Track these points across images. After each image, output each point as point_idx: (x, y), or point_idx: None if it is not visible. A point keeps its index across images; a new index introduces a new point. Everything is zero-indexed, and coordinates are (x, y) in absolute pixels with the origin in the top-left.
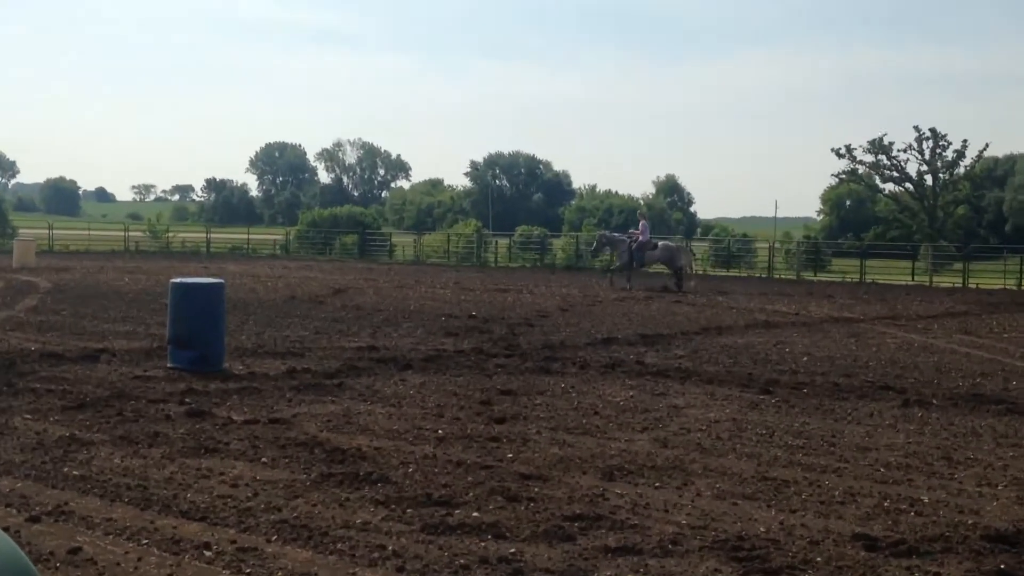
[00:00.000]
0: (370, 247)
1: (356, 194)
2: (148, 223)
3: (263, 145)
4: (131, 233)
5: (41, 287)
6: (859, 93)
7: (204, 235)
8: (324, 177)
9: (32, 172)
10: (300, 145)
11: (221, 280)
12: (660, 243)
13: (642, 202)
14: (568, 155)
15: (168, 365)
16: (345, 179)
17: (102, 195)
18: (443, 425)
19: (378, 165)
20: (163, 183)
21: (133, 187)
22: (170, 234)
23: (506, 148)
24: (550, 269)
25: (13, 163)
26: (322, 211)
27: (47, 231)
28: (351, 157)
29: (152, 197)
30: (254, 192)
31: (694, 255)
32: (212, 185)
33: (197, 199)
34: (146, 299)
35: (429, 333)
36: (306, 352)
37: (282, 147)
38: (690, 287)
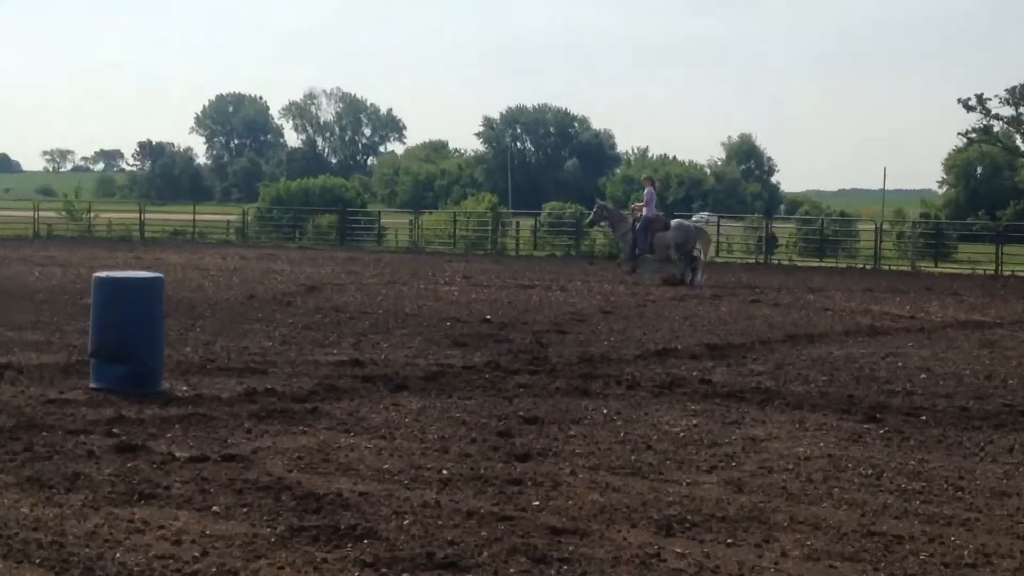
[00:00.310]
0: (353, 230)
1: (334, 161)
2: (64, 200)
3: (212, 98)
4: (42, 213)
5: None
6: (996, 26)
7: (137, 215)
8: (292, 139)
9: None
10: (260, 98)
11: (159, 274)
12: (673, 222)
13: (705, 169)
14: (611, 109)
15: (91, 385)
16: (320, 141)
17: (2, 164)
18: (448, 463)
19: (363, 123)
20: (83, 148)
21: (44, 153)
22: (92, 214)
23: (530, 100)
24: (588, 258)
25: None
26: (289, 183)
27: None
28: (327, 113)
29: (69, 166)
30: (201, 159)
31: (710, 238)
32: (146, 150)
33: (128, 168)
34: (62, 299)
35: (430, 343)
36: (270, 368)
37: (237, 100)
38: (700, 281)
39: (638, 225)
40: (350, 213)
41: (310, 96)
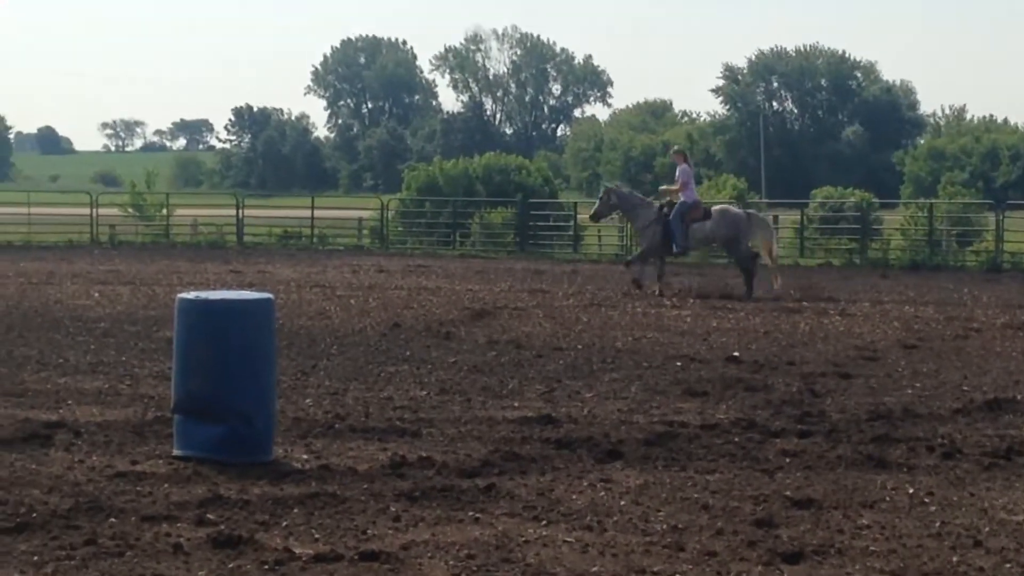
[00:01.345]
0: (537, 231)
1: (508, 132)
2: (131, 191)
3: (336, 45)
4: (102, 210)
5: None
6: None
7: (233, 212)
8: (450, 101)
9: None
10: (404, 43)
11: (266, 294)
12: (715, 208)
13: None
14: (909, 54)
15: (175, 452)
16: (489, 104)
17: (50, 142)
18: (684, 566)
19: (549, 77)
20: (156, 119)
21: (104, 127)
22: (171, 210)
23: (791, 41)
24: (880, 268)
25: None
26: (445, 164)
27: None
28: (498, 63)
29: (138, 143)
30: (321, 131)
31: (776, 230)
32: (244, 120)
33: (219, 146)
34: (130, 331)
35: (653, 391)
36: (424, 428)
37: (371, 48)
38: (776, 288)
39: (669, 214)
40: (533, 206)
41: (474, 39)
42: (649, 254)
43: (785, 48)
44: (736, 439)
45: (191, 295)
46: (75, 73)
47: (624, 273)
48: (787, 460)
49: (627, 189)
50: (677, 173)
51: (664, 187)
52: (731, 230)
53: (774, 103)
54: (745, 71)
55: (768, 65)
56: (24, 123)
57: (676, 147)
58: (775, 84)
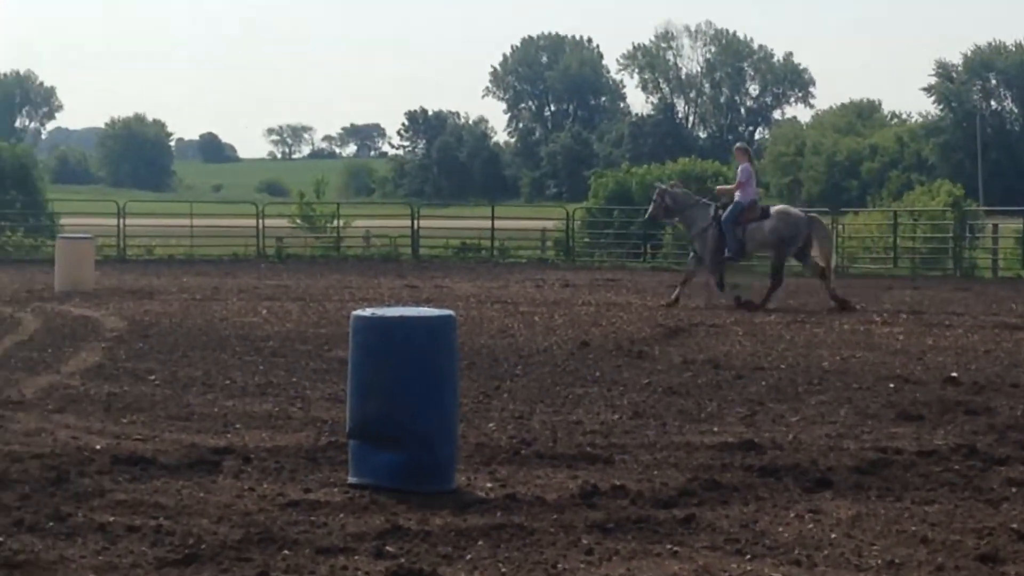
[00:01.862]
0: None
1: (702, 135)
2: (299, 201)
3: (516, 44)
4: (268, 221)
5: (107, 328)
6: None
7: (408, 223)
8: (639, 103)
9: (82, 109)
10: (589, 41)
11: (447, 311)
12: (774, 208)
13: None
14: None
15: (350, 479)
16: (681, 105)
17: (212, 149)
18: None
19: (746, 76)
20: (325, 124)
21: (269, 133)
22: (342, 221)
23: (1009, 36)
24: None
25: (50, 96)
26: (636, 171)
27: (115, 220)
28: (692, 62)
29: (306, 150)
30: (500, 136)
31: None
32: (418, 125)
33: (392, 152)
34: (301, 350)
35: (864, 415)
36: (617, 455)
37: (554, 46)
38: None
39: (723, 215)
40: None
41: (665, 36)
42: (716, 263)
43: (1004, 43)
44: (956, 467)
45: (367, 312)
46: (239, 76)
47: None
48: (1013, 490)
49: (682, 189)
50: (739, 171)
51: (720, 187)
52: (790, 232)
53: (992, 102)
54: (960, 68)
55: (985, 61)
56: (186, 130)
57: (740, 144)
58: (993, 82)
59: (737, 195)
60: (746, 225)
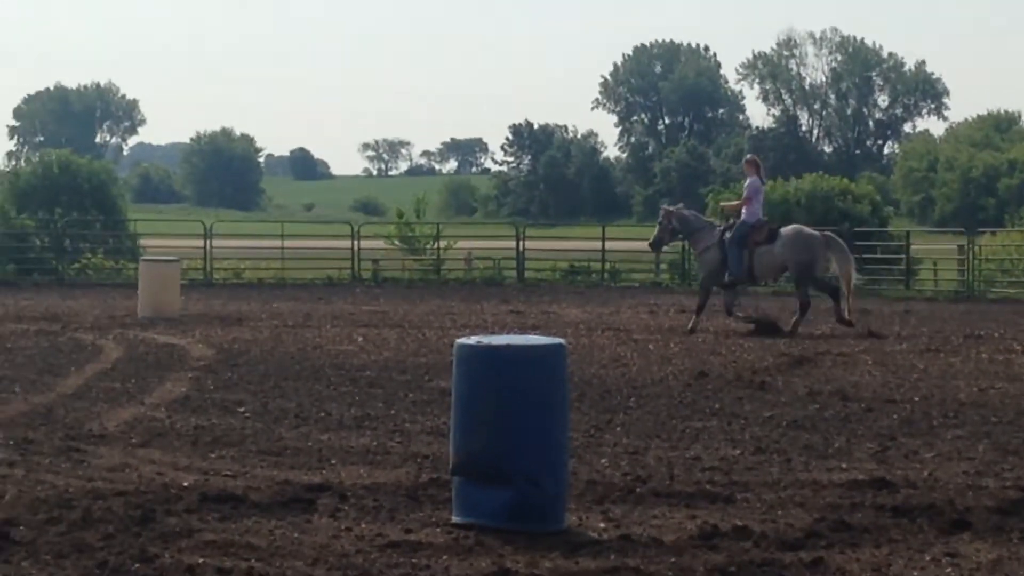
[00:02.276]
0: (864, 264)
1: (827, 149)
2: (397, 221)
3: (628, 52)
4: (364, 242)
5: (194, 356)
6: None
7: (512, 243)
8: (759, 115)
9: (166, 124)
10: (706, 49)
11: (558, 340)
12: (784, 229)
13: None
14: None
15: (453, 519)
16: (804, 117)
17: (304, 166)
18: None
19: (875, 87)
20: (424, 139)
21: (364, 148)
22: (443, 243)
23: None
24: None
25: (132, 109)
26: (774, 187)
27: (201, 241)
28: (816, 71)
29: (403, 167)
30: (611, 151)
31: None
32: (523, 139)
33: (495, 168)
34: (400, 380)
35: (1003, 450)
36: (738, 493)
37: (668, 54)
38: (849, 317)
39: (727, 237)
40: (858, 235)
41: (787, 44)
42: (708, 283)
43: None
44: None
45: (472, 340)
46: (331, 89)
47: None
48: None
49: (690, 211)
50: (746, 186)
51: (724, 203)
52: (805, 254)
53: None
54: None
55: None
56: (275, 145)
57: (750, 156)
58: None
59: (743, 213)
60: (754, 248)
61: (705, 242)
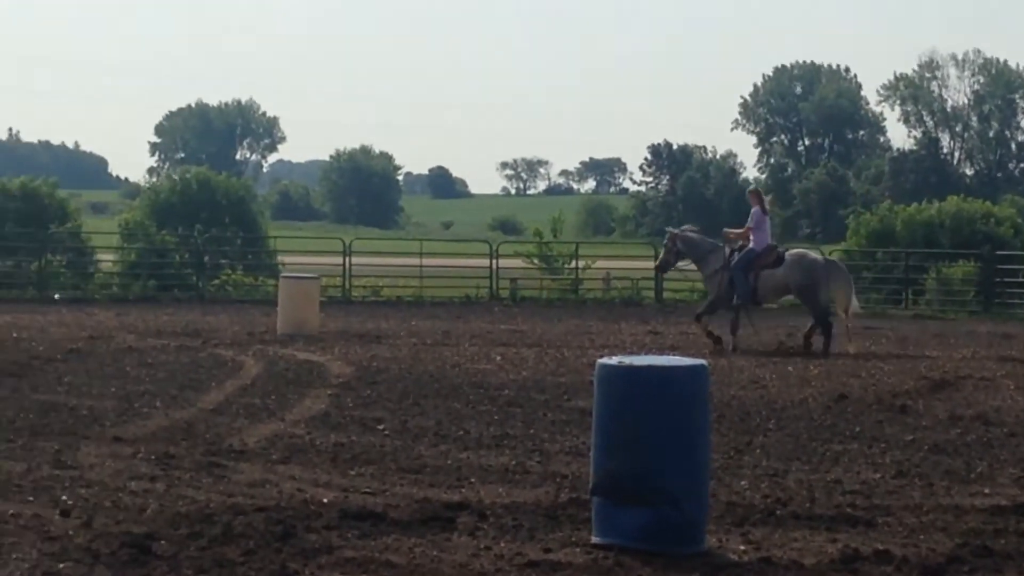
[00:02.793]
0: (1006, 289)
1: (969, 172)
2: (536, 240)
3: (768, 73)
4: (503, 261)
5: (333, 373)
6: None
7: (652, 263)
8: (900, 137)
9: (306, 141)
10: (847, 70)
11: (700, 361)
12: (789, 253)
13: None
14: None
15: (593, 539)
16: (946, 140)
17: (442, 184)
18: None
19: (1020, 109)
20: (562, 159)
21: (503, 167)
22: (582, 263)
23: None
24: None
25: (272, 126)
26: (906, 208)
27: (338, 259)
28: (959, 93)
29: (541, 186)
30: (749, 171)
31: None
32: (662, 160)
33: (633, 188)
34: (538, 399)
35: None
36: (879, 516)
37: (808, 75)
38: (846, 346)
39: (735, 260)
40: (999, 259)
41: (929, 65)
42: (717, 305)
43: None
44: None
45: (613, 360)
46: (470, 107)
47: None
48: None
49: (696, 234)
50: (751, 216)
51: (728, 231)
52: (806, 278)
53: None
54: None
55: None
56: (414, 163)
57: (752, 186)
58: None
59: (751, 241)
60: (759, 272)
61: (713, 265)
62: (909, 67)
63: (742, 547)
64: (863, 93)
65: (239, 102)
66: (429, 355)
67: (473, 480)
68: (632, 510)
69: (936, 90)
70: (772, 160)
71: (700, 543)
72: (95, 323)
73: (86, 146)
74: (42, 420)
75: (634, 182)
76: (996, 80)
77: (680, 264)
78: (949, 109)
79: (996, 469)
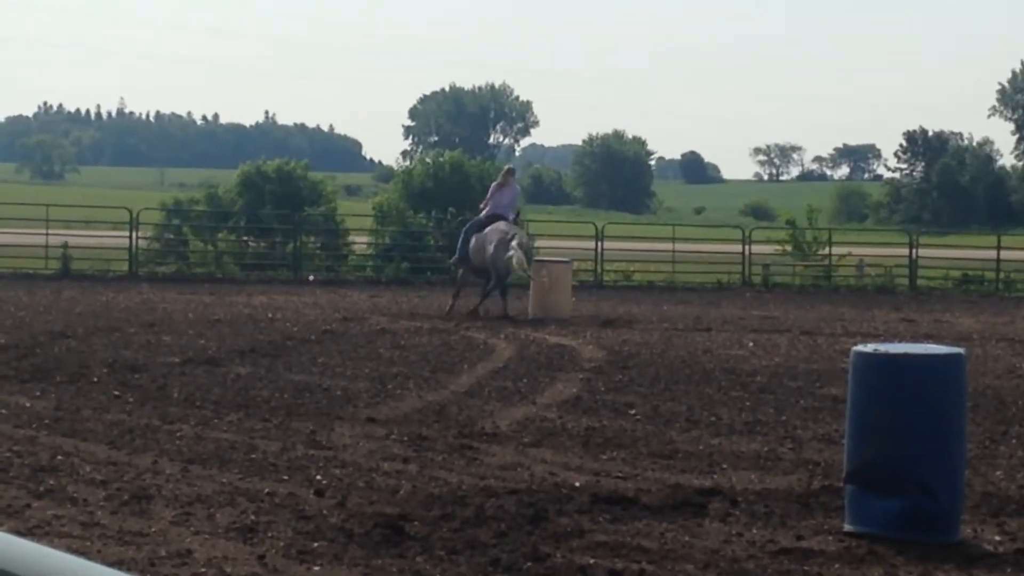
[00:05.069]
0: None
1: None
2: (793, 227)
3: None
4: (754, 247)
5: (585, 358)
6: None
7: (905, 251)
8: None
9: (559, 126)
10: None
11: (957, 350)
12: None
13: None
14: None
15: (846, 527)
16: None
17: (694, 170)
18: None
19: None
20: (816, 145)
21: (756, 153)
22: (832, 251)
23: None
24: None
25: (526, 110)
26: None
27: (591, 243)
28: None
29: (794, 172)
30: (1007, 160)
31: (529, 240)
32: (917, 145)
33: (888, 175)
34: (791, 386)
35: None
36: None
37: None
38: (509, 307)
39: (466, 226)
40: None
41: None
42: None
43: None
44: None
45: (869, 348)
46: (724, 92)
47: None
48: None
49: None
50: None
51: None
52: (496, 237)
53: None
54: None
55: None
56: (667, 149)
57: (508, 166)
58: None
59: (482, 209)
60: (472, 237)
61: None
62: None
63: (997, 538)
64: None
65: (492, 86)
66: (681, 340)
67: (725, 466)
68: (886, 499)
69: None
70: None
71: (955, 533)
72: (348, 304)
73: (340, 129)
74: (297, 400)
75: (888, 168)
76: None
77: None
78: None
79: None
